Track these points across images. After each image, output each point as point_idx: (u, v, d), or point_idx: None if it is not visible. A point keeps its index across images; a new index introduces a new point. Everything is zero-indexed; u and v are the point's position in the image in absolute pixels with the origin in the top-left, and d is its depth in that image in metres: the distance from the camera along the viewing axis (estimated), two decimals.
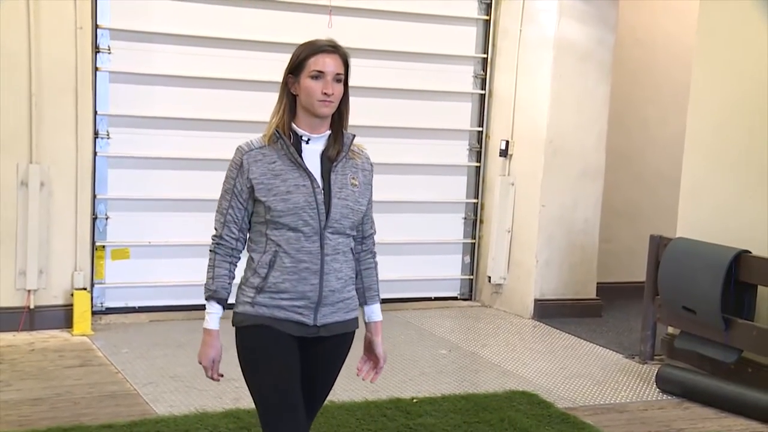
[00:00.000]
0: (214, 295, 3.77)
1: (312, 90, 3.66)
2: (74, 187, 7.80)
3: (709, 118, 7.80)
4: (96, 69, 7.86)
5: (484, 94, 9.47)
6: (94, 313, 7.97)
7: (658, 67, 10.25)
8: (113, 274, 8.20)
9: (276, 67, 8.25)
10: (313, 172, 3.70)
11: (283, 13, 8.48)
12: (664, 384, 7.07)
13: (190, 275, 8.34)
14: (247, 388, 3.82)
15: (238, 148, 3.80)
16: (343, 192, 3.75)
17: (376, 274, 4.03)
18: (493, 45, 9.41)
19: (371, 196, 3.94)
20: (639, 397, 6.99)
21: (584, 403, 6.76)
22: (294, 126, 3.74)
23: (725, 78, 7.67)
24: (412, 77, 8.91)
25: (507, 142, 9.28)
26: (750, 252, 7.09)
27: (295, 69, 3.71)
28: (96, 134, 7.92)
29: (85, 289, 7.88)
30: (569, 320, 9.00)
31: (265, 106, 8.37)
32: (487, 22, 9.37)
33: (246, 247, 3.85)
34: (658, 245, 7.70)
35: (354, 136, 3.85)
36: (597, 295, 9.46)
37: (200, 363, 3.86)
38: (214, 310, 3.79)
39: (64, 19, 7.62)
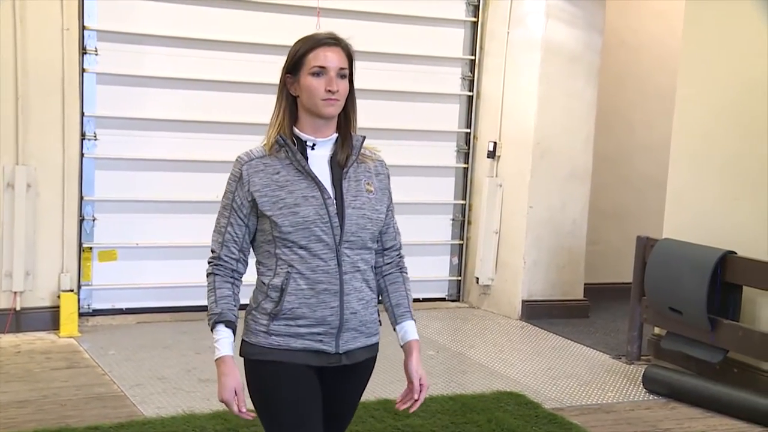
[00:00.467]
0: (220, 318, 3.31)
1: (314, 88, 3.28)
2: (61, 189, 7.79)
3: (694, 123, 7.81)
4: (83, 70, 7.86)
5: (472, 96, 9.50)
6: (81, 314, 7.96)
7: (644, 70, 10.31)
8: (100, 276, 8.20)
9: (263, 68, 8.31)
10: (322, 181, 3.32)
11: (271, 14, 8.49)
12: (650, 384, 7.09)
13: (177, 277, 8.41)
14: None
15: (237, 159, 3.38)
16: (357, 200, 3.37)
17: (406, 289, 3.57)
18: (481, 47, 9.44)
19: (391, 202, 3.54)
20: (626, 397, 7.01)
21: (571, 403, 6.77)
22: (297, 131, 3.36)
23: (711, 83, 7.69)
24: (400, 79, 8.94)
25: (495, 143, 9.30)
26: (735, 253, 7.11)
27: (293, 67, 3.34)
28: (83, 136, 7.92)
29: (72, 290, 7.86)
30: (557, 321, 9.02)
31: (253, 108, 8.42)
32: (475, 24, 9.40)
33: (256, 269, 3.43)
34: (645, 246, 7.73)
35: (364, 137, 3.47)
36: (584, 296, 9.49)
37: (221, 400, 3.32)
38: (223, 336, 3.31)
39: (50, 21, 7.62)
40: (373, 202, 3.41)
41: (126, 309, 8.31)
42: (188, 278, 8.36)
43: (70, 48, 7.71)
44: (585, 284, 9.50)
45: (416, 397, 3.44)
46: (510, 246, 9.25)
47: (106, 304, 8.24)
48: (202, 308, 8.42)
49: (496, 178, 9.32)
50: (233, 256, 3.36)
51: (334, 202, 3.31)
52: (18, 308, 7.72)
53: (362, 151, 3.45)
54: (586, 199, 9.34)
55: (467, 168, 9.60)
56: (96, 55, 7.92)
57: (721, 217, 7.49)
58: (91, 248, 8.11)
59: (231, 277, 3.37)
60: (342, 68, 3.31)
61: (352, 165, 3.39)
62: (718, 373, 7.16)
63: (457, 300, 9.64)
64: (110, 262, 8.21)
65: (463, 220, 9.67)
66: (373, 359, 3.52)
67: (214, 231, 3.43)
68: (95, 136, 8.00)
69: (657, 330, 7.84)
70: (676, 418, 6.57)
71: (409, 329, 3.51)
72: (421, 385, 3.44)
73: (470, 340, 8.27)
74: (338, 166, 3.37)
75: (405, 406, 3.47)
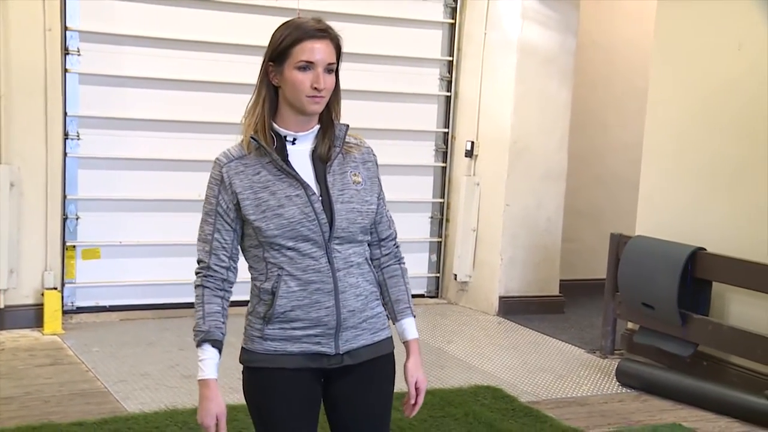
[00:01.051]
0: (207, 336, 3.09)
1: (299, 83, 3.03)
2: (44, 188, 7.77)
3: (666, 124, 7.85)
4: (65, 71, 7.84)
5: (450, 96, 9.52)
6: (64, 312, 7.94)
7: (617, 71, 10.31)
8: (84, 274, 8.18)
9: (243, 69, 8.36)
10: (305, 178, 3.10)
11: (251, 16, 8.47)
12: (623, 377, 7.12)
13: (160, 275, 8.42)
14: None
15: (215, 161, 3.15)
16: (345, 194, 3.15)
17: (405, 283, 3.36)
18: (458, 48, 9.45)
19: (381, 191, 3.31)
20: (599, 390, 7.03)
21: (547, 396, 6.79)
22: (275, 125, 3.13)
23: (682, 84, 7.72)
24: (379, 79, 8.96)
25: (472, 143, 9.32)
26: (705, 249, 7.17)
27: (277, 56, 3.07)
28: (66, 135, 7.90)
29: (55, 288, 7.85)
30: (533, 317, 9.03)
31: (232, 108, 8.34)
32: (453, 26, 9.42)
33: (249, 273, 3.23)
34: (618, 244, 7.75)
35: (347, 126, 3.23)
36: (560, 292, 9.51)
37: (201, 424, 3.16)
38: (208, 356, 3.10)
39: (32, 21, 7.60)
40: (362, 193, 3.20)
41: (109, 306, 8.29)
42: (171, 276, 8.39)
43: (52, 48, 7.69)
44: (560, 281, 9.52)
45: (413, 401, 3.26)
46: (487, 243, 9.27)
47: (89, 302, 8.22)
48: (185, 305, 8.53)
49: (474, 176, 9.34)
50: (223, 264, 3.15)
51: (320, 198, 3.10)
52: (2, 306, 7.70)
53: (347, 140, 3.23)
54: (561, 198, 9.36)
55: (445, 167, 9.62)
56: (78, 55, 7.91)
57: (692, 215, 7.54)
58: (74, 246, 8.09)
59: (221, 289, 3.16)
60: (330, 63, 3.08)
61: (336, 157, 3.17)
62: (689, 367, 7.20)
63: (436, 296, 9.66)
64: (94, 260, 8.19)
65: (441, 218, 9.69)
66: (386, 359, 3.28)
67: (198, 240, 3.19)
68: (78, 136, 7.98)
69: (630, 325, 7.89)
70: (648, 410, 6.60)
71: (408, 327, 3.32)
72: (417, 388, 3.27)
73: (448, 335, 8.29)
74: (321, 161, 3.16)
75: (407, 413, 3.30)
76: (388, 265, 3.31)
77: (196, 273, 3.18)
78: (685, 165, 7.66)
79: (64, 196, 7.97)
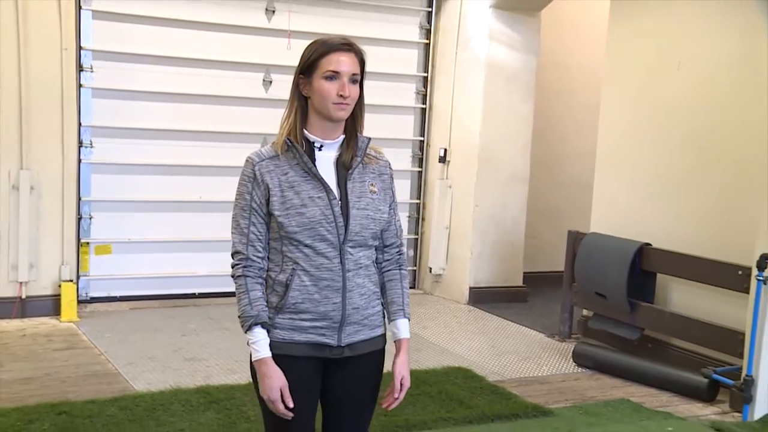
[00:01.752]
0: (257, 320, 3.05)
1: (326, 92, 3.06)
2: (61, 191, 7.77)
3: (616, 134, 7.89)
4: (80, 85, 7.82)
5: (425, 108, 9.51)
6: (79, 302, 7.93)
7: (574, 87, 10.28)
8: (97, 268, 8.16)
9: (241, 84, 8.37)
10: (328, 182, 3.09)
11: (249, 36, 8.47)
12: (579, 359, 7.15)
13: (166, 268, 8.41)
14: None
15: (247, 160, 3.13)
16: (361, 201, 3.13)
17: (402, 287, 3.29)
18: (433, 66, 9.44)
19: (393, 201, 3.30)
20: (558, 370, 7.05)
21: (511, 376, 6.78)
22: (306, 132, 3.12)
23: (630, 98, 7.75)
24: (364, 93, 8.91)
25: (445, 150, 9.32)
26: (651, 244, 7.22)
27: (306, 69, 3.09)
28: (80, 143, 7.88)
29: (71, 280, 7.85)
30: (499, 305, 9.02)
31: (231, 119, 8.47)
32: (428, 46, 9.41)
33: None
34: (575, 240, 7.79)
35: (369, 139, 3.24)
36: (523, 283, 9.50)
37: (268, 399, 3.05)
38: (260, 337, 3.05)
39: (50, 41, 7.60)
40: (377, 202, 3.18)
41: (120, 297, 8.27)
42: (175, 269, 8.41)
43: (68, 66, 7.68)
44: (524, 273, 9.51)
45: (396, 395, 3.20)
46: (459, 240, 9.27)
47: (102, 293, 8.20)
48: (188, 296, 8.54)
49: (447, 180, 9.34)
50: (260, 255, 3.10)
51: (339, 202, 3.09)
52: (23, 296, 7.70)
53: (368, 152, 3.23)
54: (524, 199, 9.35)
55: (421, 171, 9.61)
56: (92, 72, 7.88)
57: (639, 215, 7.57)
58: (88, 243, 8.07)
59: (260, 277, 3.11)
60: (354, 74, 3.12)
61: (357, 166, 3.17)
62: (636, 348, 7.25)
63: (413, 287, 9.60)
64: (105, 255, 8.17)
65: (417, 217, 9.68)
66: (378, 353, 3.26)
67: (234, 233, 3.13)
68: (91, 144, 7.96)
69: (585, 312, 7.92)
70: (600, 388, 6.61)
71: (401, 327, 3.26)
72: (402, 384, 3.20)
73: (424, 322, 8.26)
74: (344, 168, 3.14)
75: (385, 405, 3.22)
76: (388, 270, 3.27)
77: (234, 265, 3.12)
78: (634, 170, 7.69)
79: (79, 198, 7.94)
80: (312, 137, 3.12)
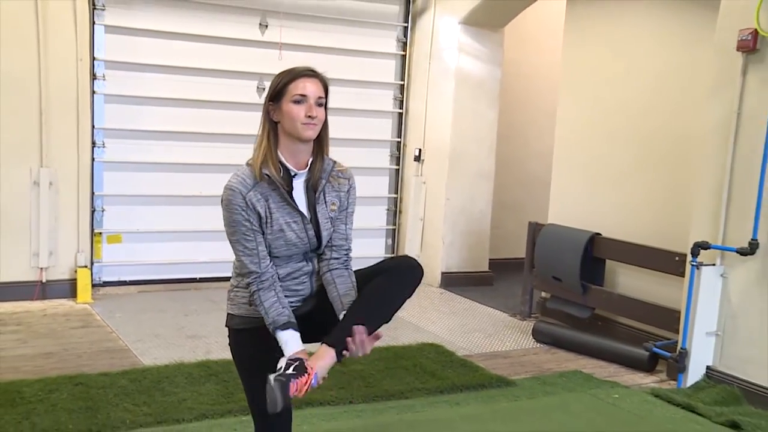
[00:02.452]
0: (275, 325, 3.05)
1: (295, 114, 3.04)
2: (76, 186, 7.77)
3: (570, 135, 7.93)
4: (93, 92, 7.81)
5: (402, 113, 9.51)
6: (93, 285, 7.94)
7: (534, 94, 10.27)
8: (109, 255, 8.17)
9: (237, 90, 8.39)
10: (301, 209, 3.14)
11: (243, 48, 8.45)
12: (538, 335, 7.18)
13: (170, 255, 8.42)
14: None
15: (232, 190, 3.06)
16: (327, 222, 3.20)
17: (352, 281, 3.22)
18: (408, 75, 9.44)
19: (349, 213, 3.30)
20: (519, 345, 7.08)
21: (478, 351, 6.81)
22: (281, 157, 3.11)
23: (582, 106, 7.79)
24: (346, 99, 8.87)
25: (420, 150, 9.34)
26: (601, 234, 7.26)
27: (275, 96, 3.10)
28: (94, 144, 7.88)
29: (86, 266, 7.87)
30: (468, 288, 9.06)
31: (228, 121, 8.48)
32: (404, 57, 9.41)
33: (233, 266, 3.24)
34: (534, 230, 7.83)
35: (334, 162, 3.26)
36: (489, 269, 9.51)
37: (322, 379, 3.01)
38: (285, 338, 3.05)
39: (67, 53, 7.59)
40: (335, 221, 3.23)
41: (129, 281, 8.27)
42: (179, 256, 8.43)
43: (83, 74, 7.68)
44: (489, 259, 9.52)
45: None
46: (432, 230, 9.29)
47: (113, 277, 8.21)
48: (189, 280, 8.59)
49: (421, 176, 9.36)
50: (269, 265, 3.10)
51: (311, 225, 3.15)
52: (44, 280, 7.72)
53: (332, 173, 3.23)
54: (490, 194, 9.37)
55: (398, 169, 9.61)
56: (104, 80, 7.88)
57: (591, 207, 7.62)
58: (101, 233, 8.08)
59: (272, 284, 3.10)
60: (320, 97, 3.10)
61: (323, 188, 3.19)
62: (588, 326, 7.30)
63: None
64: (116, 244, 8.17)
65: (395, 210, 9.68)
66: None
67: (243, 255, 3.10)
68: (103, 144, 7.96)
69: (543, 294, 7.96)
70: (556, 361, 6.67)
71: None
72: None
73: None
74: (312, 190, 3.17)
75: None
76: (336, 268, 3.22)
77: (249, 284, 3.11)
78: (586, 168, 7.74)
79: (92, 193, 7.94)
80: (289, 166, 3.12)
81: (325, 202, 3.20)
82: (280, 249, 3.11)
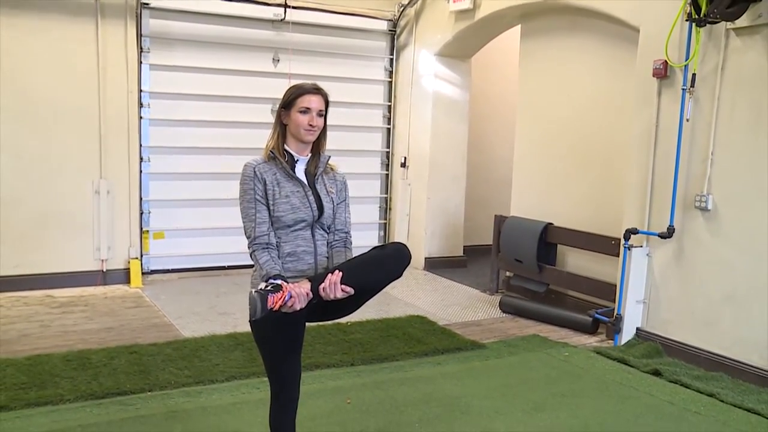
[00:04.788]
0: (267, 276, 2.95)
1: (300, 121, 3.09)
2: (128, 193, 7.78)
3: (527, 144, 7.91)
4: (140, 117, 7.82)
5: (390, 128, 9.47)
6: (143, 273, 7.95)
7: (496, 113, 10.22)
8: (154, 248, 8.17)
9: (256, 113, 8.39)
10: (304, 182, 3.14)
11: (260, 78, 8.44)
12: (504, 307, 7.18)
13: (204, 248, 8.40)
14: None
15: (247, 165, 3.11)
16: (326, 197, 3.18)
17: (347, 257, 3.18)
18: (395, 97, 9.40)
19: (345, 203, 3.28)
20: (489, 315, 7.07)
21: (456, 321, 6.79)
22: (287, 147, 3.15)
23: (535, 121, 7.78)
24: (344, 117, 8.86)
25: (405, 158, 9.31)
26: (553, 223, 7.28)
27: (287, 105, 3.13)
28: (141, 159, 7.89)
29: (137, 258, 7.87)
30: (447, 270, 9.04)
31: (248, 138, 8.49)
32: (390, 83, 9.38)
33: None
34: (500, 221, 7.83)
35: (329, 156, 3.27)
36: (463, 254, 9.49)
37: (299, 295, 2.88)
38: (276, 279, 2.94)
39: (120, 86, 7.60)
40: (333, 201, 3.21)
41: (171, 269, 8.27)
42: (210, 248, 8.41)
43: (132, 103, 7.68)
44: (464, 246, 9.50)
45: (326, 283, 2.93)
46: (416, 223, 9.25)
47: (159, 266, 8.21)
48: (220, 268, 8.58)
49: (407, 180, 9.32)
50: (265, 232, 3.03)
51: (312, 194, 3.13)
52: (104, 270, 7.74)
53: (327, 166, 3.25)
54: (463, 193, 9.33)
55: (388, 173, 9.57)
56: (149, 107, 7.88)
57: (544, 203, 7.61)
58: (148, 231, 8.07)
59: (265, 248, 3.02)
60: (321, 110, 3.14)
61: (319, 174, 3.20)
62: (544, 298, 7.32)
63: None
64: (160, 240, 8.19)
65: (386, 207, 9.64)
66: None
67: (245, 221, 3.07)
68: (149, 159, 7.96)
69: (508, 273, 7.95)
70: (519, 327, 6.68)
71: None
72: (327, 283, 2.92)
73: (392, 284, 8.12)
74: (311, 175, 3.19)
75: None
76: (336, 247, 3.20)
77: (248, 247, 3.06)
78: (539, 171, 7.74)
79: (141, 198, 7.93)
80: (292, 151, 3.16)
81: (324, 184, 3.21)
82: (287, 213, 3.07)
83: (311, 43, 8.77)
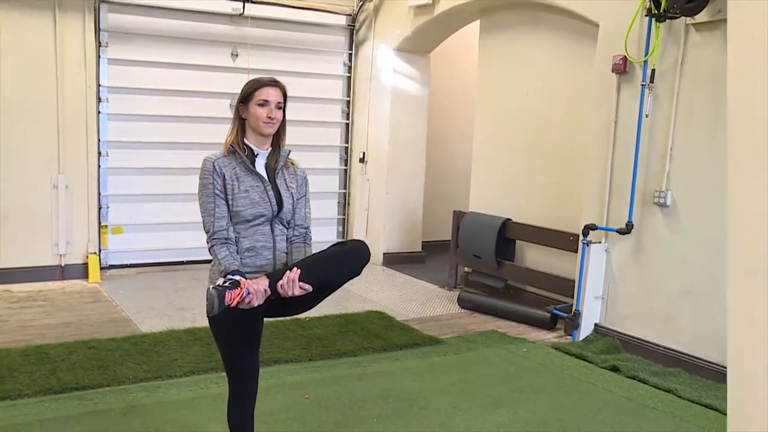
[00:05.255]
0: (226, 271, 2.93)
1: (259, 114, 3.07)
2: (86, 188, 7.71)
3: (485, 140, 7.95)
4: (99, 112, 7.75)
5: (348, 123, 9.46)
6: (101, 268, 7.88)
7: (455, 108, 10.26)
8: (113, 243, 8.10)
9: (213, 107, 8.33)
10: (263, 177, 3.11)
11: (219, 73, 8.39)
12: (462, 302, 7.18)
13: (163, 243, 8.34)
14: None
15: (206, 159, 3.08)
16: (286, 192, 3.15)
17: (306, 252, 3.16)
18: (353, 92, 9.39)
19: (306, 198, 3.26)
20: (447, 311, 7.07)
21: (414, 316, 6.80)
22: (247, 141, 3.12)
23: (494, 117, 7.81)
24: (304, 112, 8.84)
25: (364, 153, 9.31)
26: (511, 219, 7.29)
27: (245, 99, 3.11)
28: (99, 154, 7.81)
29: (95, 252, 7.81)
30: (405, 265, 9.05)
31: (207, 133, 8.43)
32: (349, 78, 9.36)
33: None
34: (458, 217, 7.83)
35: (290, 151, 3.24)
36: (422, 249, 9.51)
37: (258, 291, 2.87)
38: (233, 275, 2.93)
39: (78, 81, 7.53)
40: (293, 196, 3.18)
41: (129, 264, 8.21)
42: (169, 244, 8.36)
43: (90, 98, 7.62)
44: (422, 241, 9.52)
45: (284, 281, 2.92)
46: (375, 217, 9.26)
47: (117, 261, 8.14)
48: (178, 263, 8.51)
49: (365, 175, 9.33)
50: (224, 227, 3.01)
51: (271, 189, 3.10)
52: (62, 264, 7.68)
53: (287, 161, 3.24)
54: (422, 188, 9.36)
55: (347, 169, 9.55)
56: (107, 102, 7.80)
57: (503, 198, 7.64)
58: (106, 225, 8.00)
59: (224, 243, 2.99)
60: (279, 102, 3.12)
61: (279, 169, 3.18)
62: (502, 294, 7.33)
63: None
64: (119, 235, 8.12)
65: (344, 202, 9.62)
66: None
67: (204, 215, 3.04)
68: (107, 154, 7.89)
69: (466, 269, 7.94)
70: (477, 323, 6.69)
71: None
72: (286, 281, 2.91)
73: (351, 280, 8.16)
74: (271, 169, 3.16)
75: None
76: (296, 243, 3.18)
77: (207, 240, 3.03)
78: (498, 167, 7.77)
79: (99, 193, 7.87)
80: (252, 146, 3.13)
81: (284, 178, 3.19)
82: (246, 208, 3.04)
83: (270, 37, 8.72)
